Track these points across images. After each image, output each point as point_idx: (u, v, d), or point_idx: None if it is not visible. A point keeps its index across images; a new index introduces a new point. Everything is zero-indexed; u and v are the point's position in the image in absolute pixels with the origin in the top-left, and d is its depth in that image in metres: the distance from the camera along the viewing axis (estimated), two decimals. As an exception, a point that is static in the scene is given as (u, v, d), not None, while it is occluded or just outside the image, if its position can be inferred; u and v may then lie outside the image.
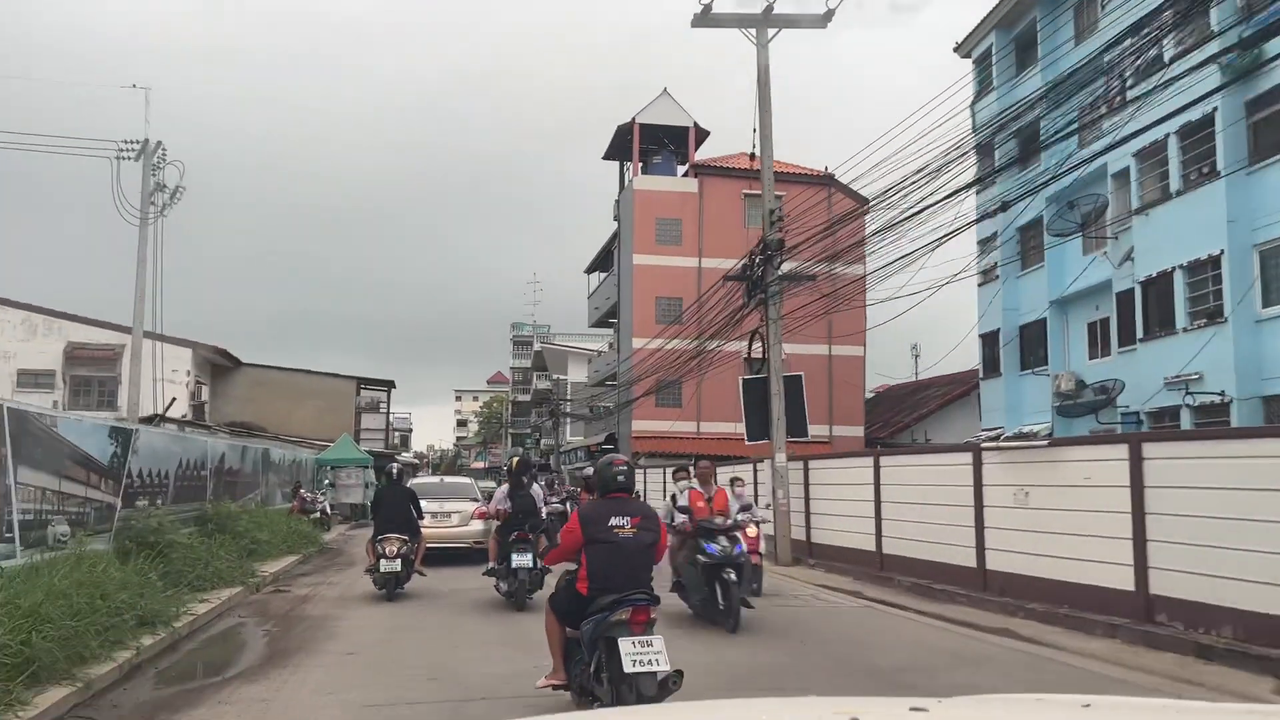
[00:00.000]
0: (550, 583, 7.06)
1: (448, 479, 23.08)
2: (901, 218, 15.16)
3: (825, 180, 35.35)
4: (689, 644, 8.58)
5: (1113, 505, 9.53)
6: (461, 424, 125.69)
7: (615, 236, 39.85)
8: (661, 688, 5.30)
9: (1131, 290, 22.21)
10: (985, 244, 29.25)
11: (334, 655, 8.26)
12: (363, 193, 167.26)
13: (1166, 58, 14.38)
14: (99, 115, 31.90)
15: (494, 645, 8.77)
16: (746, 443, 18.49)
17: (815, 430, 36.53)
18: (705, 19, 17.25)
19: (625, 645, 5.35)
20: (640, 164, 37.39)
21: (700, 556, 9.88)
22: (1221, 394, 18.74)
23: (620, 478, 6.05)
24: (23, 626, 6.32)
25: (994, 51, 28.77)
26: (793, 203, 35.83)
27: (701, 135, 37.29)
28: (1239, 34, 14.98)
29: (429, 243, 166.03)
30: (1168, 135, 19.97)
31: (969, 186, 17.37)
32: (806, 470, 17.34)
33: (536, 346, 70.39)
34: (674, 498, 11.18)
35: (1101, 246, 24.16)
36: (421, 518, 12.71)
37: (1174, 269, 20.36)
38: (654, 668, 5.31)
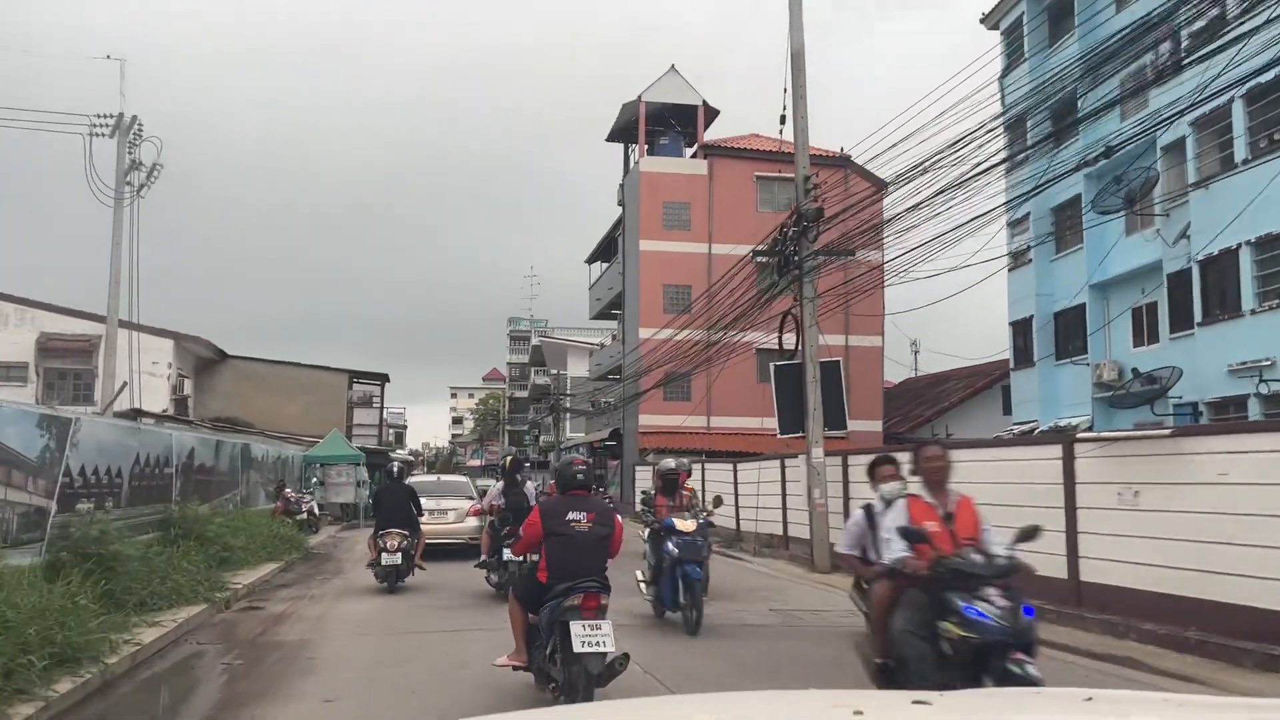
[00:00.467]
0: None
1: (444, 478, 23.58)
2: (937, 194, 13.62)
3: (842, 161, 33.60)
4: None
5: (1266, 507, 7.77)
6: (457, 421, 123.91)
7: (620, 223, 38.03)
8: (609, 668, 5.76)
9: (1187, 270, 20.48)
10: (1016, 226, 27.57)
11: (308, 703, 6.48)
12: (355, 190, 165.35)
13: (1230, 14, 12.75)
14: (80, 97, 30.03)
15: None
16: (779, 436, 16.74)
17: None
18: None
19: (575, 628, 5.77)
20: (646, 146, 35.55)
21: (959, 630, 4.86)
22: (1301, 381, 17.03)
23: (579, 476, 6.54)
24: None
25: (1025, 21, 27.03)
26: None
27: (711, 114, 35.46)
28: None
29: (423, 240, 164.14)
30: (1232, 100, 18.23)
31: (1010, 159, 15.76)
32: (846, 467, 15.59)
33: (535, 341, 68.51)
34: (870, 510, 6.87)
35: (1150, 225, 22.44)
36: (421, 515, 13.21)
37: (1239, 246, 18.63)
38: (601, 649, 5.74)
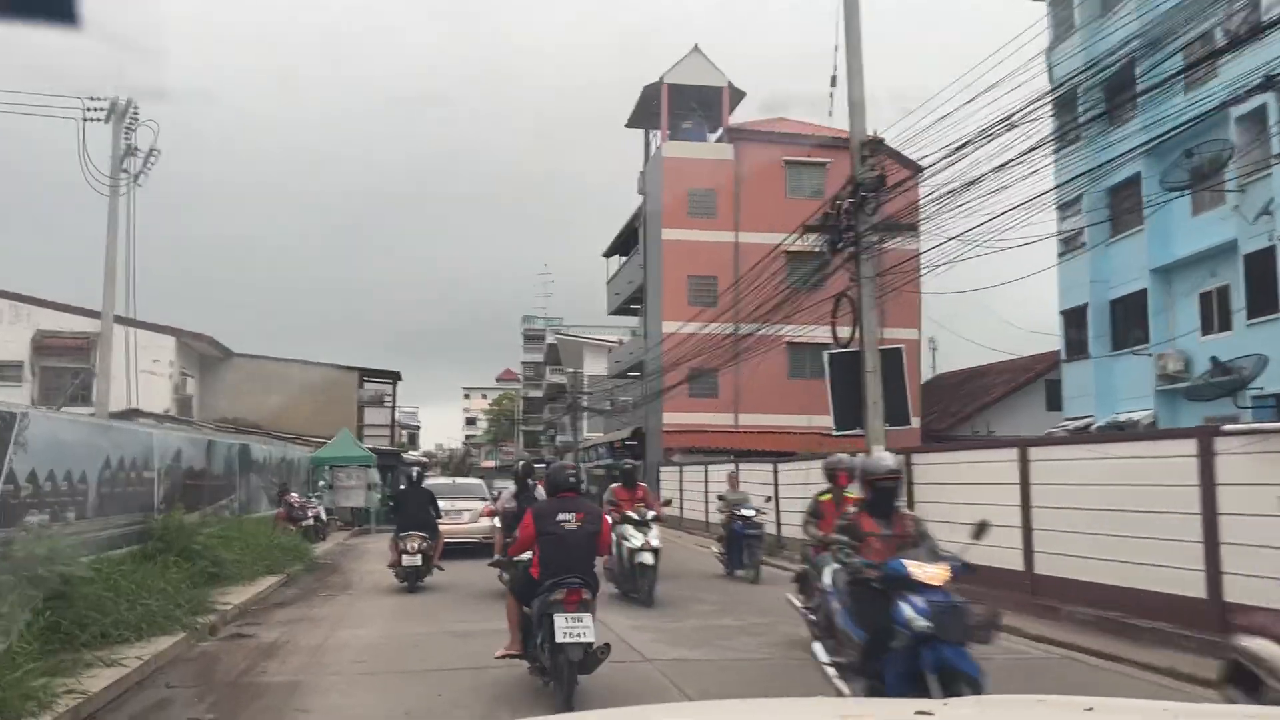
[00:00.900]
0: None
1: (459, 480, 24.23)
2: (978, 179, 12.10)
3: (876, 145, 31.91)
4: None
5: None
6: (470, 422, 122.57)
7: (640, 212, 36.40)
8: (591, 656, 6.33)
9: (1269, 250, 18.76)
10: (1066, 210, 25.82)
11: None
12: (366, 192, 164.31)
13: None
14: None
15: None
16: (835, 433, 15.07)
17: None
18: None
19: (559, 620, 6.27)
20: (668, 131, 33.91)
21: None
22: None
23: (570, 479, 6.99)
24: None
25: (1076, -11, 25.28)
26: (837, 170, 32.52)
27: (736, 96, 33.77)
28: None
29: (433, 240, 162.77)
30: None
31: (1065, 134, 14.15)
32: (909, 467, 13.90)
33: (550, 339, 66.95)
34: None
35: (1221, 202, 20.71)
36: (440, 517, 13.71)
37: (1334, 221, 16.90)
38: (581, 639, 6.24)
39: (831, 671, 6.02)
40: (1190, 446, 8.80)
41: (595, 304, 45.13)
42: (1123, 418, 23.55)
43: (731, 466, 16.46)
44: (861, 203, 13.75)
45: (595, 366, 51.72)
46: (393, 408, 40.67)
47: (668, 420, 31.59)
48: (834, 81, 14.78)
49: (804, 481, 17.98)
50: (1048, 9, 26.48)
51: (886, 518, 5.82)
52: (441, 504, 14.15)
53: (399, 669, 7.87)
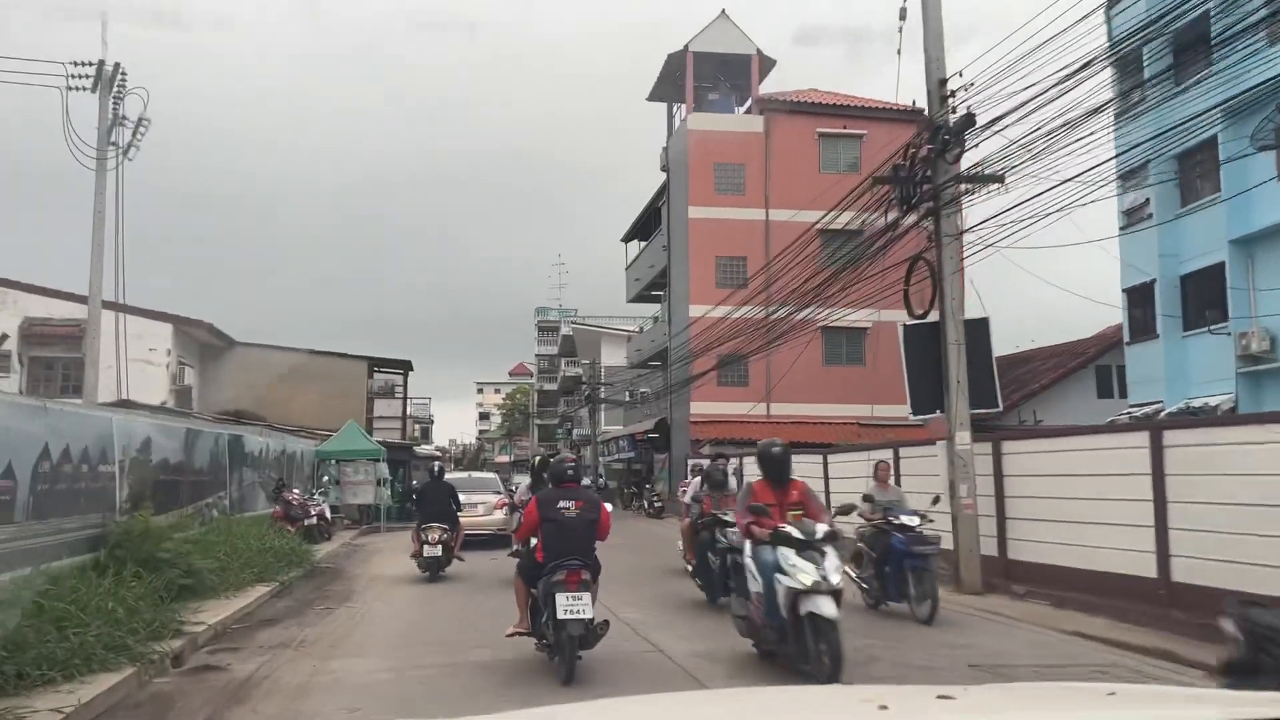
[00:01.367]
0: None
1: (474, 475, 24.83)
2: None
3: (913, 115, 29.90)
4: None
5: None
6: (484, 417, 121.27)
7: (663, 191, 34.44)
8: (591, 632, 6.96)
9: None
10: (1129, 179, 23.76)
11: None
12: (375, 187, 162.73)
13: None
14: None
15: None
16: (912, 417, 13.20)
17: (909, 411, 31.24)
18: None
19: (560, 599, 6.84)
20: (693, 105, 31.93)
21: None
22: None
23: (570, 471, 7.62)
24: None
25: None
26: (874, 143, 30.53)
27: (766, 65, 31.72)
28: None
29: (443, 235, 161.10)
30: None
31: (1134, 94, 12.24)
32: (998, 456, 11.98)
33: (565, 330, 65.08)
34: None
35: (1316, 163, 18.66)
36: (460, 510, 14.21)
37: None
38: (580, 615, 6.81)
39: None
40: None
41: (609, 297, 43.27)
42: (1197, 403, 21.55)
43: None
44: (944, 148, 11.82)
45: (613, 357, 49.81)
46: (404, 399, 38.85)
47: (695, 410, 29.67)
48: (903, 14, 12.81)
49: (855, 475, 16.12)
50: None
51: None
52: (460, 498, 14.63)
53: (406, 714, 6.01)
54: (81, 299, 25.72)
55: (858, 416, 28.87)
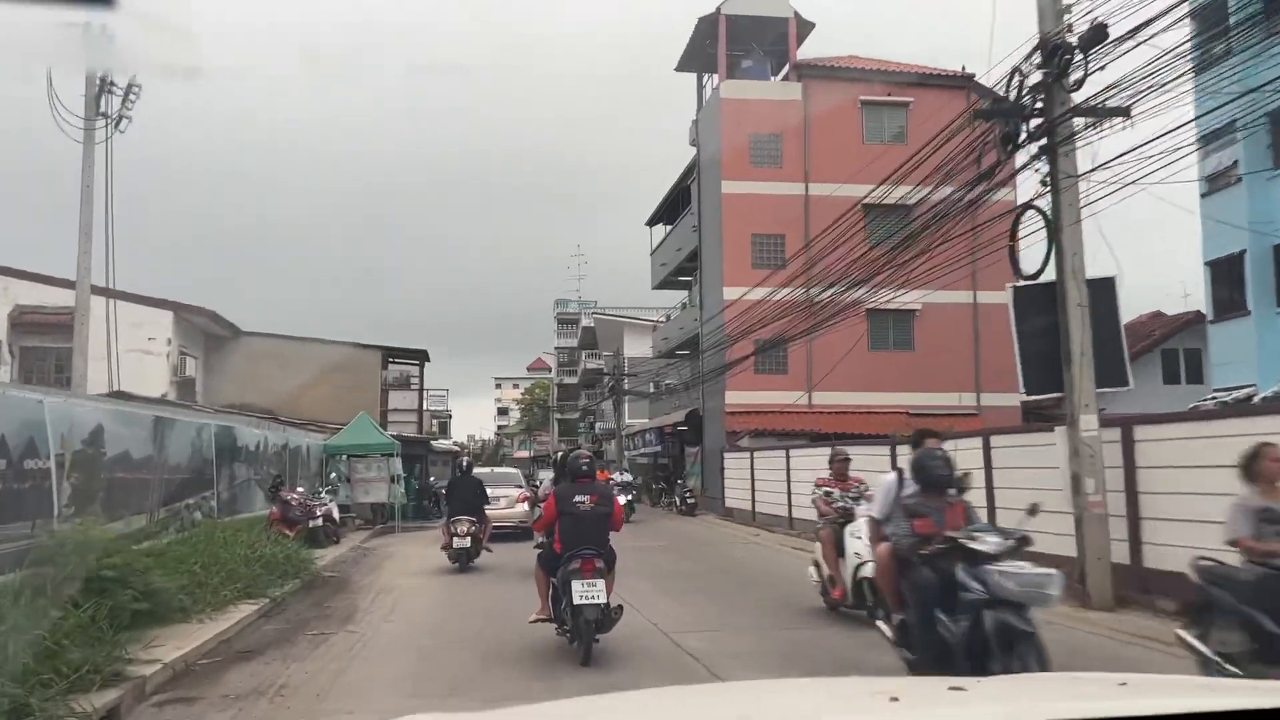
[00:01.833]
0: None
1: (497, 470, 25.09)
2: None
3: (964, 81, 27.75)
4: None
5: None
6: (502, 412, 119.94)
7: (692, 169, 32.36)
8: (606, 617, 7.48)
9: None
10: (1211, 141, 21.54)
11: None
12: (393, 184, 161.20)
13: None
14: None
15: None
16: (1025, 396, 11.16)
17: (960, 399, 29.05)
18: None
19: (576, 586, 7.39)
20: (725, 73, 29.81)
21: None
22: None
23: (584, 466, 8.09)
24: None
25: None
26: (921, 111, 28.39)
27: (804, 28, 29.54)
28: None
29: (461, 230, 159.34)
30: None
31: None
32: (1130, 446, 9.90)
33: (585, 321, 63.14)
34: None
35: None
36: (488, 504, 14.71)
37: None
38: (595, 600, 7.34)
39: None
40: None
41: (630, 288, 41.22)
42: (1298, 387, 19.35)
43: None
44: (1062, 72, 9.76)
45: (636, 348, 47.83)
46: (420, 390, 36.98)
47: (730, 400, 27.63)
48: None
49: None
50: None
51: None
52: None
53: None
54: (74, 285, 24.03)
55: (907, 405, 26.74)
